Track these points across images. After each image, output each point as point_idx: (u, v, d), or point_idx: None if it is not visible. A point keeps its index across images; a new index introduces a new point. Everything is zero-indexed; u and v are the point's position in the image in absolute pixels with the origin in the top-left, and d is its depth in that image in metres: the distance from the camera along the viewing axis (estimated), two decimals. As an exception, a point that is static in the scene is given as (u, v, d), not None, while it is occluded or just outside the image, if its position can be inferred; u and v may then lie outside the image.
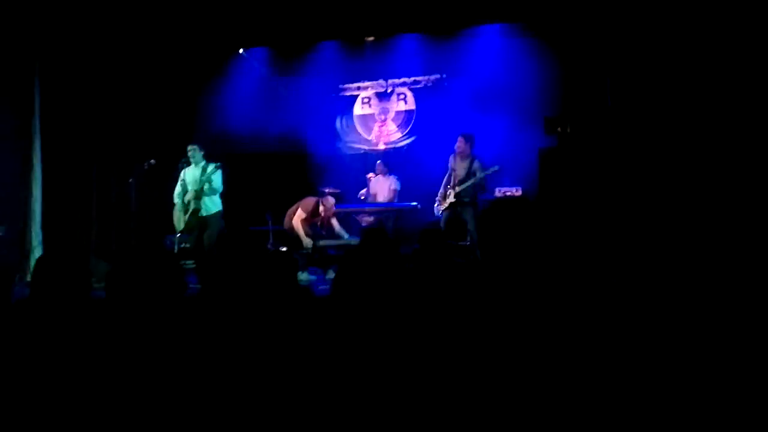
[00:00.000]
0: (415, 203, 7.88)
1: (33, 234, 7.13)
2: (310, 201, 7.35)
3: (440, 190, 6.92)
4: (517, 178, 7.45)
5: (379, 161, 8.58)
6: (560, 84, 7.55)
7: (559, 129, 5.93)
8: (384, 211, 8.13)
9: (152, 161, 7.05)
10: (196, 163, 6.60)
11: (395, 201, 8.24)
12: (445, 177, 6.90)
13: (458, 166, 6.73)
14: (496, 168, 6.58)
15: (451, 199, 6.71)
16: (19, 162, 7.17)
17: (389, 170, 8.48)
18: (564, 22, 7.38)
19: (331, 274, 6.84)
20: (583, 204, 5.25)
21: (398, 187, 8.35)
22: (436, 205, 6.98)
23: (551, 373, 1.94)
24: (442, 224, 6.81)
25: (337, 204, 8.42)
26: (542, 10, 7.44)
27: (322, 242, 7.23)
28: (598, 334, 2.09)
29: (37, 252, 7.06)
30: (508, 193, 7.32)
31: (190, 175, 6.62)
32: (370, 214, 8.34)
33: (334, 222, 7.48)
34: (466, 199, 6.63)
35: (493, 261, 2.42)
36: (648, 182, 5.38)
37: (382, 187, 8.43)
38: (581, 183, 5.47)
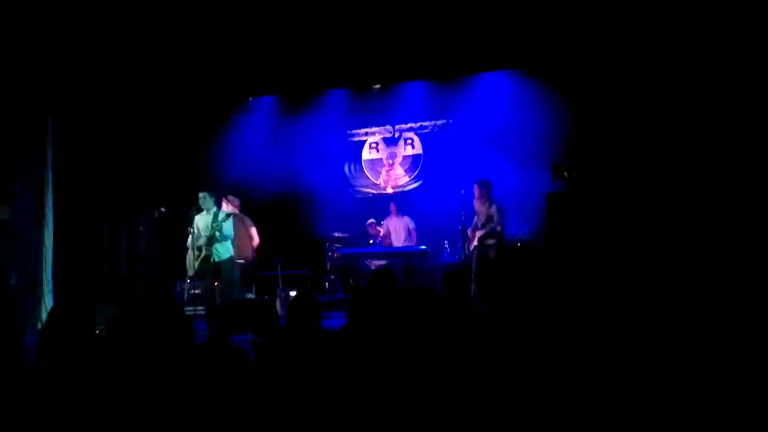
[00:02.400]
0: (423, 247, 7.89)
1: (44, 282, 7.18)
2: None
3: (469, 233, 6.91)
4: (525, 222, 7.47)
5: (392, 203, 8.63)
6: (566, 128, 7.62)
7: (566, 174, 5.96)
8: (393, 255, 8.15)
9: (162, 209, 7.13)
10: (208, 210, 6.67)
11: (415, 241, 8.25)
12: (474, 221, 6.90)
13: (479, 211, 6.78)
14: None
15: (475, 242, 6.73)
16: (32, 211, 7.26)
17: (400, 211, 8.54)
18: (570, 68, 7.50)
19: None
20: (591, 250, 5.25)
21: (415, 226, 8.43)
22: (466, 245, 6.96)
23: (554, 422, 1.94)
24: (474, 265, 6.77)
25: (345, 248, 8.45)
26: (547, 56, 7.57)
27: None
28: (601, 382, 2.09)
29: (47, 299, 7.10)
30: (516, 236, 7.33)
31: (202, 221, 6.68)
32: (379, 258, 8.36)
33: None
34: (490, 242, 6.64)
35: (496, 307, 2.43)
36: (654, 229, 5.38)
37: (396, 227, 8.48)
38: (588, 228, 5.48)
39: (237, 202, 7.35)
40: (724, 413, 1.95)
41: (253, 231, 7.34)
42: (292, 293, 8.03)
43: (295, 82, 8.68)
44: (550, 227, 5.95)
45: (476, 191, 6.78)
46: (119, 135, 8.01)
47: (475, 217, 6.84)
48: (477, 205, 6.81)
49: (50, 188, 7.34)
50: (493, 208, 6.67)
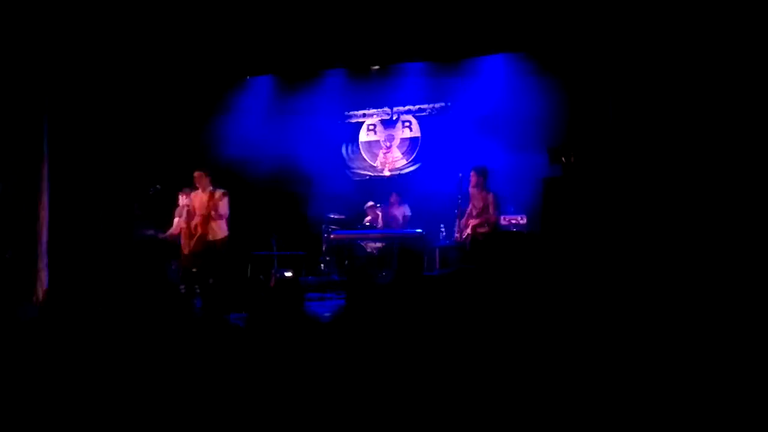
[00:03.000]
0: (419, 230, 7.90)
1: (39, 257, 7.16)
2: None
3: (462, 219, 6.88)
4: (521, 206, 7.48)
5: (393, 193, 8.60)
6: (564, 112, 7.61)
7: (563, 159, 5.94)
8: (389, 238, 8.16)
9: (158, 186, 7.11)
10: (203, 189, 6.66)
11: (405, 227, 8.28)
12: (468, 208, 6.89)
13: (475, 199, 6.75)
14: None
15: (469, 230, 6.71)
16: (27, 186, 7.23)
17: (402, 200, 8.54)
18: (568, 51, 7.46)
19: None
20: (588, 234, 5.25)
21: (410, 213, 8.42)
22: (458, 232, 6.95)
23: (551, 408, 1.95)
24: (468, 253, 6.78)
25: (341, 230, 8.46)
26: (546, 40, 7.52)
27: None
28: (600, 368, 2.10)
29: (42, 274, 7.09)
30: (513, 221, 7.33)
31: (197, 200, 6.67)
32: (375, 240, 8.37)
33: None
34: (483, 230, 6.65)
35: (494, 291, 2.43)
36: (653, 216, 5.39)
37: (396, 215, 8.49)
38: (585, 212, 5.48)
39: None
40: (721, 404, 1.97)
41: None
42: (288, 274, 8.04)
43: (292, 62, 8.63)
44: (547, 212, 5.95)
45: (473, 178, 6.74)
46: (116, 111, 7.95)
47: (470, 205, 6.81)
48: (473, 192, 6.78)
49: (46, 160, 7.31)
50: (490, 197, 6.66)
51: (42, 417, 2.14)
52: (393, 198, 8.55)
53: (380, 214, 8.59)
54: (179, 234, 6.96)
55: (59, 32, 7.13)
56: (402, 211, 8.46)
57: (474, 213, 6.72)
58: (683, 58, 5.97)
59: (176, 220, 7.08)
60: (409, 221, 8.37)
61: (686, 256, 4.81)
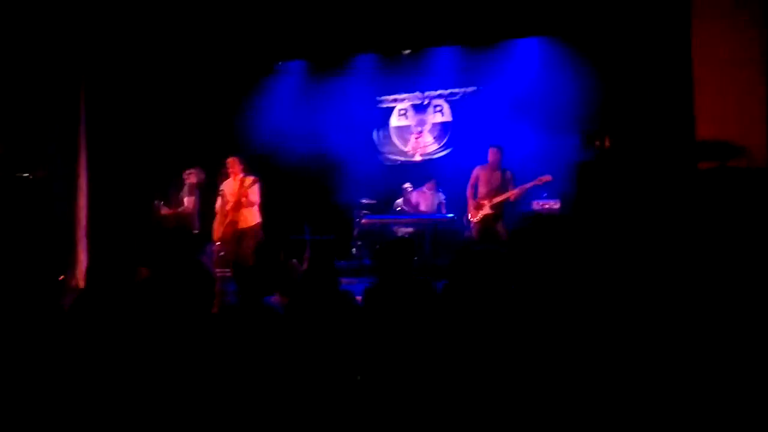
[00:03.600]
0: (451, 215, 7.88)
1: (78, 242, 7.35)
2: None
3: (470, 201, 6.90)
4: (555, 191, 7.40)
5: (433, 180, 8.57)
6: (598, 96, 7.49)
7: (597, 143, 5.87)
8: (420, 223, 8.16)
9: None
10: (235, 176, 6.73)
11: (440, 212, 8.29)
12: (469, 188, 6.88)
13: (491, 177, 6.72)
14: (549, 177, 6.59)
15: (486, 210, 6.69)
16: (66, 173, 7.40)
17: (438, 187, 8.53)
18: (604, 34, 7.33)
19: None
20: (622, 219, 5.18)
21: (444, 200, 8.42)
22: (468, 216, 6.98)
23: (583, 396, 1.94)
24: (477, 236, 6.81)
25: (373, 215, 8.49)
26: (580, 23, 7.40)
27: None
28: (632, 354, 2.07)
29: (81, 259, 7.27)
30: (546, 206, 7.26)
31: (229, 187, 6.74)
32: (406, 225, 8.38)
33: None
34: (498, 211, 6.64)
35: (527, 278, 2.41)
36: (688, 200, 5.29)
37: (429, 202, 8.47)
38: (620, 197, 5.40)
39: (201, 174, 7.30)
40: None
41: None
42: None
43: (324, 47, 8.62)
44: (581, 196, 5.88)
45: (495, 155, 6.72)
46: (150, 99, 8.07)
47: (481, 186, 6.79)
48: (488, 171, 6.76)
49: (84, 149, 7.47)
50: (509, 174, 6.65)
51: (80, 398, 2.19)
52: (432, 184, 8.51)
53: (413, 198, 8.57)
54: (190, 213, 7.03)
55: (96, 19, 7.24)
56: (438, 199, 8.44)
57: (487, 192, 6.68)
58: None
59: (186, 199, 7.13)
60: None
61: (724, 245, 4.71)
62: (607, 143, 5.83)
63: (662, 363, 2.03)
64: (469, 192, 6.94)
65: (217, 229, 6.79)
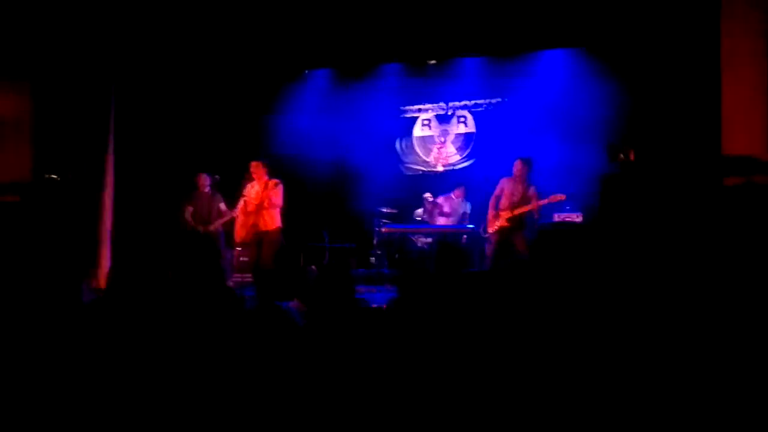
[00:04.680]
0: (471, 226, 7.85)
1: (101, 243, 7.45)
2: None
3: (489, 212, 6.87)
4: (577, 205, 7.33)
5: (462, 187, 8.53)
6: (623, 109, 7.42)
7: (622, 156, 5.80)
8: (440, 233, 8.14)
9: (217, 177, 7.26)
10: (259, 179, 6.78)
11: (463, 223, 8.27)
12: (493, 198, 6.85)
13: (514, 190, 6.68)
14: (562, 197, 6.52)
15: (502, 222, 6.65)
16: (93, 175, 7.52)
17: (466, 196, 8.52)
18: (630, 46, 7.28)
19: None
20: (646, 233, 5.11)
21: (469, 211, 8.39)
22: (484, 226, 6.95)
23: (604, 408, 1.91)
24: (493, 247, 6.76)
25: (393, 224, 8.49)
26: (606, 35, 7.36)
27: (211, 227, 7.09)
28: (657, 367, 2.04)
29: (104, 260, 7.37)
30: (568, 219, 7.20)
31: (252, 190, 6.79)
32: (426, 235, 8.36)
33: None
34: (516, 226, 6.59)
35: (546, 289, 2.39)
36: (712, 215, 5.20)
37: (455, 208, 8.45)
38: (644, 211, 5.33)
39: (207, 180, 7.33)
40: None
41: (222, 206, 7.26)
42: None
43: (350, 56, 8.68)
44: (603, 210, 5.82)
45: (520, 168, 6.66)
46: (177, 103, 8.18)
47: (504, 198, 6.74)
48: (511, 184, 6.70)
49: (111, 154, 7.59)
50: (532, 189, 6.58)
51: (97, 395, 2.21)
52: (460, 191, 8.48)
53: (441, 201, 8.52)
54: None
55: (127, 23, 7.36)
56: (464, 207, 8.43)
57: (508, 204, 6.64)
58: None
59: (221, 205, 7.17)
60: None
61: (749, 261, 4.62)
62: (632, 156, 5.76)
63: (684, 375, 2.00)
64: (491, 202, 6.89)
65: (239, 231, 6.84)
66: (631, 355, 2.14)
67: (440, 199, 8.55)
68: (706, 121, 5.80)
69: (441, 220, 8.42)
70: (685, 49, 6.43)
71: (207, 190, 7.11)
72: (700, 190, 5.54)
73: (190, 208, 7.11)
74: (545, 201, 6.58)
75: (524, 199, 6.59)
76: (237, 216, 6.81)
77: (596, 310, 2.39)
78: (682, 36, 6.46)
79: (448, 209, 8.45)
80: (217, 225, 7.01)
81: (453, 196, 8.49)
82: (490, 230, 6.82)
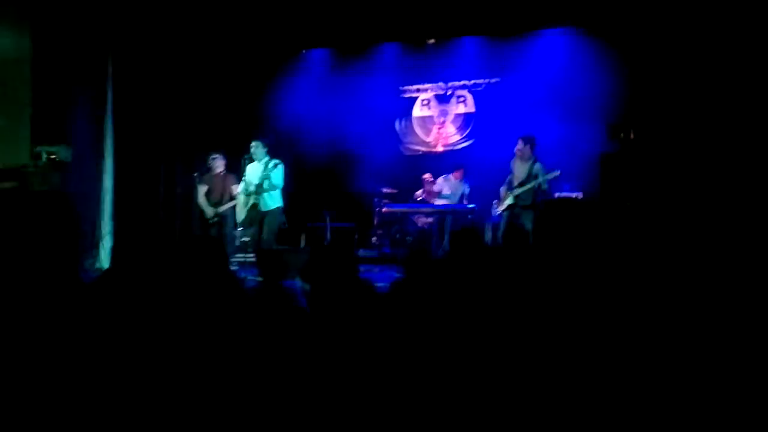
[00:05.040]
0: (472, 205, 7.87)
1: (103, 224, 7.46)
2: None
3: (501, 192, 6.88)
4: (576, 184, 7.35)
5: (461, 169, 8.54)
6: (623, 87, 7.40)
7: (622, 135, 5.80)
8: (440, 213, 8.16)
9: (214, 157, 7.23)
10: (259, 159, 6.76)
11: (462, 203, 8.31)
12: (507, 181, 6.85)
13: (518, 169, 6.66)
14: (557, 173, 6.49)
15: (509, 201, 6.65)
16: (92, 155, 7.50)
17: (465, 178, 8.54)
18: (629, 25, 7.24)
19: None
20: (648, 211, 5.13)
21: (467, 192, 8.41)
22: (494, 206, 6.97)
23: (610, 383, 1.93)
24: (501, 227, 6.78)
25: (394, 204, 8.50)
26: (606, 14, 7.32)
27: (221, 209, 6.99)
28: (661, 343, 2.06)
29: (107, 241, 7.38)
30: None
31: (252, 170, 6.78)
32: (426, 215, 8.38)
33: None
34: (526, 203, 6.57)
35: (551, 265, 2.40)
36: (714, 191, 5.22)
37: (454, 189, 8.48)
38: (645, 189, 5.35)
39: (221, 161, 7.23)
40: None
41: (235, 188, 7.02)
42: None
43: (348, 36, 8.63)
44: (604, 188, 5.83)
45: (520, 146, 6.63)
46: (176, 82, 8.14)
47: (510, 176, 6.74)
48: (517, 163, 6.69)
49: (110, 131, 7.57)
50: (537, 166, 6.56)
51: (101, 376, 2.21)
52: (459, 174, 8.50)
53: (436, 186, 8.54)
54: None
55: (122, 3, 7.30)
56: (462, 188, 8.45)
57: (516, 184, 6.63)
58: (751, 31, 5.72)
59: (233, 187, 7.12)
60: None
61: (754, 239, 4.64)
62: (631, 135, 5.76)
63: (693, 352, 2.02)
64: (505, 185, 6.83)
65: (240, 212, 6.84)
66: (640, 336, 2.15)
67: (440, 180, 8.57)
68: (707, 99, 5.79)
69: (440, 201, 8.44)
70: (685, 25, 6.40)
71: (220, 171, 7.05)
72: (698, 168, 5.55)
73: (204, 189, 7.05)
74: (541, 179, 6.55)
75: (529, 177, 6.58)
76: (237, 196, 6.79)
77: (603, 287, 2.40)
78: (681, 12, 6.43)
79: (447, 190, 8.48)
80: (225, 209, 6.99)
81: (452, 178, 8.51)
82: (499, 209, 6.81)
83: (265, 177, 6.64)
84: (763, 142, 5.31)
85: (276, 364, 2.41)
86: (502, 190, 6.80)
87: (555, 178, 6.58)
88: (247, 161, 6.88)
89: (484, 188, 8.11)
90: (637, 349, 2.04)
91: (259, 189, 6.66)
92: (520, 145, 6.64)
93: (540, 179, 6.44)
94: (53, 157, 6.58)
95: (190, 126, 8.29)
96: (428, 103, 9.59)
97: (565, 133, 7.69)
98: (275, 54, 9.08)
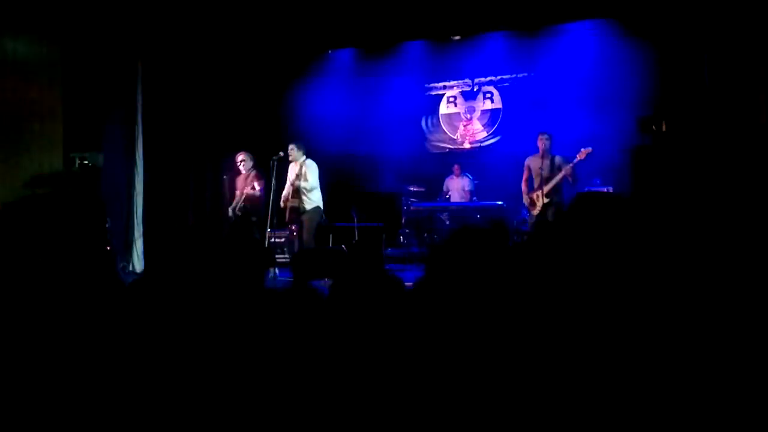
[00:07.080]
0: (500, 202, 7.80)
1: (135, 226, 7.57)
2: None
3: (525, 197, 6.77)
4: (607, 179, 7.24)
5: (456, 165, 8.60)
6: (654, 80, 7.27)
7: (653, 127, 5.69)
8: (468, 210, 8.11)
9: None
10: (296, 161, 6.82)
11: (471, 200, 8.28)
12: (523, 182, 6.74)
13: (542, 165, 6.58)
14: (588, 149, 6.41)
15: (543, 200, 6.57)
16: (124, 158, 7.61)
17: (462, 171, 8.58)
18: (661, 16, 7.11)
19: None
20: (682, 207, 5.03)
21: (472, 188, 8.37)
22: (530, 210, 6.83)
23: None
24: (536, 223, 6.70)
25: (421, 202, 8.49)
26: (635, 6, 7.19)
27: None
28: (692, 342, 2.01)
29: (138, 243, 7.49)
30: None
31: (291, 171, 6.87)
32: (454, 213, 8.35)
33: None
34: (556, 198, 6.51)
35: (575, 263, 2.36)
36: (751, 187, 5.09)
37: (456, 187, 8.53)
38: (679, 184, 5.23)
39: (244, 159, 7.23)
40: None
41: (256, 185, 7.11)
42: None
43: (373, 35, 8.62)
44: (636, 183, 5.73)
45: (545, 143, 6.53)
46: (203, 86, 8.23)
47: (534, 177, 6.63)
48: (538, 160, 6.60)
49: (140, 136, 7.67)
50: (558, 158, 6.50)
51: (137, 375, 2.24)
52: (455, 168, 8.56)
53: (446, 183, 8.57)
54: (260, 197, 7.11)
55: (152, 8, 7.38)
56: (462, 184, 8.48)
57: (540, 182, 6.55)
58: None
59: (257, 183, 7.18)
60: (486, 194, 8.31)
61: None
62: (663, 128, 5.64)
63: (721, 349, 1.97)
64: (523, 187, 6.74)
65: (286, 213, 6.95)
66: (672, 336, 2.11)
67: (447, 181, 8.57)
68: (743, 90, 5.65)
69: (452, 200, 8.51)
70: (719, 14, 6.26)
71: (243, 168, 7.14)
72: (736, 162, 5.41)
73: (228, 186, 7.20)
74: (576, 160, 6.47)
75: (554, 170, 6.51)
76: (285, 198, 6.88)
77: (635, 281, 2.36)
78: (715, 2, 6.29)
79: (453, 188, 8.50)
80: (236, 204, 7.06)
81: (453, 176, 8.53)
82: (535, 212, 6.71)
83: (300, 178, 6.71)
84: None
85: (294, 362, 2.42)
86: (526, 191, 6.68)
87: (587, 154, 6.46)
88: (276, 162, 6.92)
89: (512, 184, 8.02)
90: (671, 349, 2.00)
91: (296, 191, 6.75)
92: (544, 141, 6.56)
93: (566, 170, 6.38)
94: (86, 162, 6.70)
95: (219, 129, 8.37)
96: (454, 100, 9.54)
97: (594, 126, 7.59)
98: (301, 55, 9.12)
